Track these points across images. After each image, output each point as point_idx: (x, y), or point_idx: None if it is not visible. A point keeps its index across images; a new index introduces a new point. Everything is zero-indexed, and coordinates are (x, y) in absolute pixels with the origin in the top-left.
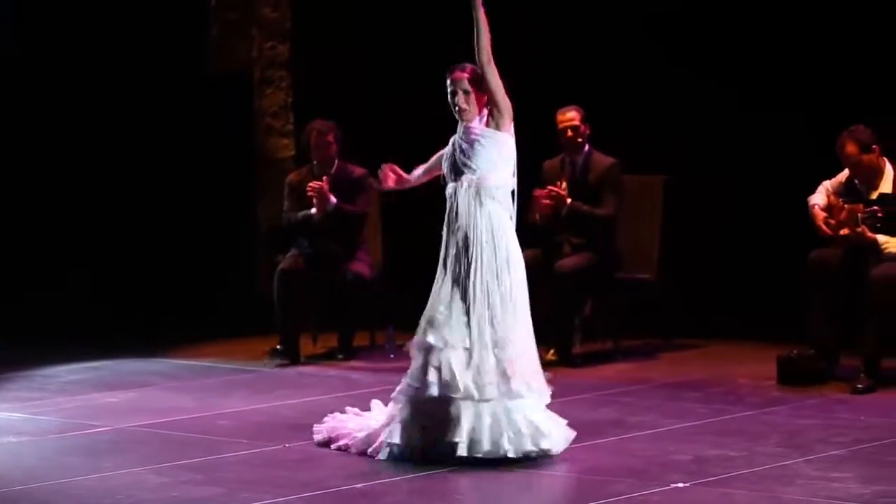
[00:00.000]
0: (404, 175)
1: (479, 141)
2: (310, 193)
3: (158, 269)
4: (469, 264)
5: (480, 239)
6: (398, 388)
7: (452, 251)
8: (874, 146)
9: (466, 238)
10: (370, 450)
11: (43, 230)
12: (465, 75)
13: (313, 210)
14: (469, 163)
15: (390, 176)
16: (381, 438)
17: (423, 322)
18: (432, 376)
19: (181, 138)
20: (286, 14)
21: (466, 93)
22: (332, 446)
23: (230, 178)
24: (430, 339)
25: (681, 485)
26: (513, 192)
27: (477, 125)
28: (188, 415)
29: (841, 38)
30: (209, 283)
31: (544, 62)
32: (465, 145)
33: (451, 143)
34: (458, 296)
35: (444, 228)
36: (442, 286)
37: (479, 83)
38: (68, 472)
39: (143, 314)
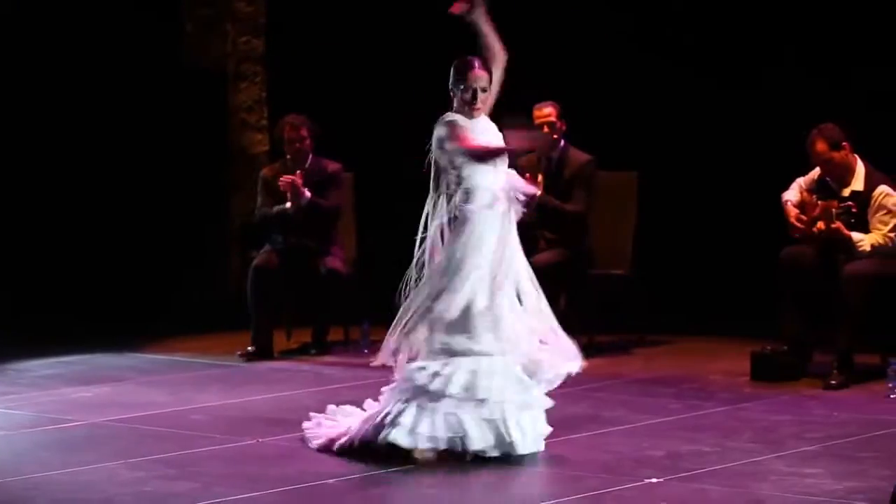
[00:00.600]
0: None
1: (497, 136)
2: (282, 188)
3: (131, 263)
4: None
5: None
6: (415, 385)
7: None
8: (843, 143)
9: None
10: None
11: (15, 224)
12: (485, 73)
13: (288, 204)
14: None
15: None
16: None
17: (453, 325)
18: (482, 382)
19: (155, 133)
20: (261, 9)
21: (484, 91)
22: (336, 446)
23: (204, 173)
24: (475, 346)
25: (654, 480)
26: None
27: (487, 122)
28: (161, 409)
29: (815, 35)
30: (182, 277)
31: (521, 57)
32: (493, 140)
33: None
34: (495, 296)
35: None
36: (472, 285)
37: (491, 80)
38: (42, 466)
39: (116, 309)
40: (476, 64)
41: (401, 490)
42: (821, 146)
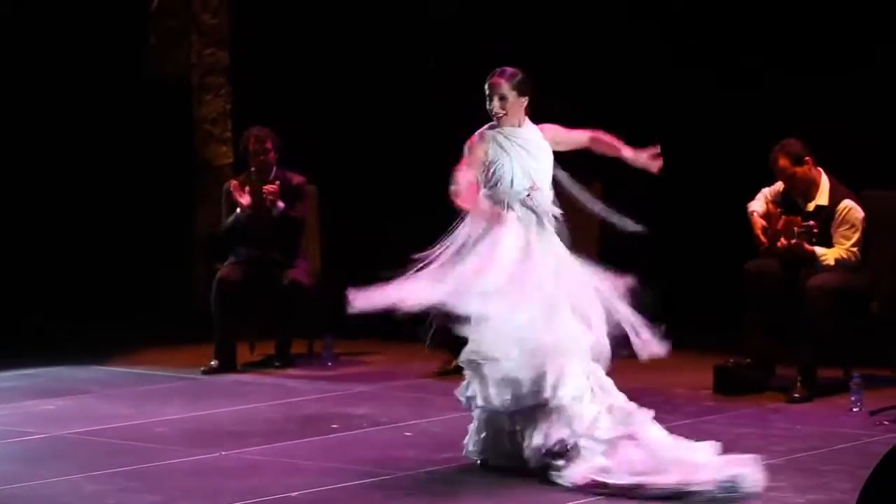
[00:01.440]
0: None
1: (543, 149)
2: (269, 197)
3: (95, 275)
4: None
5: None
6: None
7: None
8: (807, 158)
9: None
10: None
11: None
12: (503, 81)
13: (238, 210)
14: (540, 172)
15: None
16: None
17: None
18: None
19: (119, 144)
20: (225, 21)
21: (503, 98)
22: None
23: (168, 185)
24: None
25: None
26: None
27: (531, 133)
28: (125, 422)
29: (780, 43)
30: (146, 290)
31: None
32: (532, 151)
33: (504, 148)
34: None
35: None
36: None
37: (521, 87)
38: (4, 479)
39: (80, 321)
40: (495, 73)
41: (364, 501)
42: (783, 162)
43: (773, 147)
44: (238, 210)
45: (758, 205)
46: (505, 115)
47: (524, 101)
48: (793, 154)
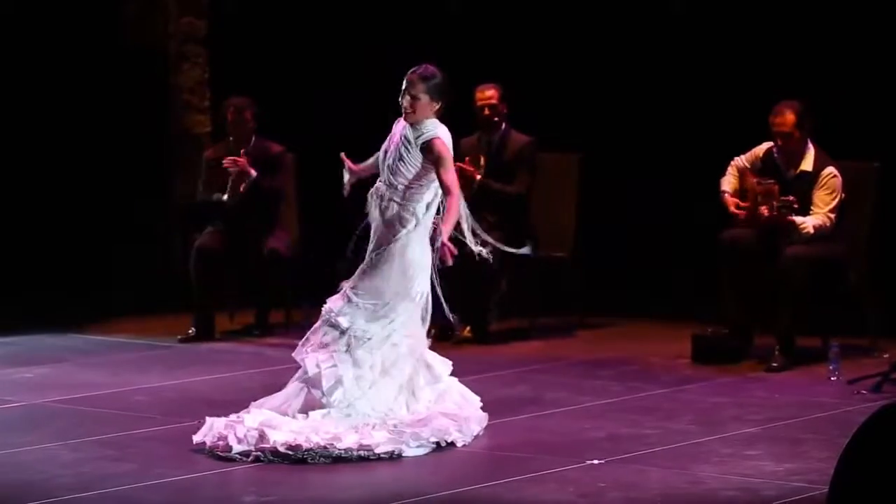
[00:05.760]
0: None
1: (412, 150)
2: (229, 168)
3: (74, 245)
4: None
5: None
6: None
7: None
8: (808, 126)
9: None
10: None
11: None
12: (419, 81)
13: (225, 196)
14: (395, 168)
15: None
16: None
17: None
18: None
19: (97, 113)
20: None
21: (414, 98)
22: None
23: (146, 154)
24: None
25: (595, 462)
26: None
27: (416, 133)
28: (102, 390)
29: (758, 17)
30: (124, 258)
31: (465, 38)
32: (400, 146)
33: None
34: None
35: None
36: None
37: (434, 91)
38: None
39: (57, 289)
40: (418, 69)
41: (348, 468)
42: (791, 117)
43: (779, 103)
44: (224, 197)
45: (728, 184)
46: (412, 113)
47: (436, 105)
48: (801, 114)
